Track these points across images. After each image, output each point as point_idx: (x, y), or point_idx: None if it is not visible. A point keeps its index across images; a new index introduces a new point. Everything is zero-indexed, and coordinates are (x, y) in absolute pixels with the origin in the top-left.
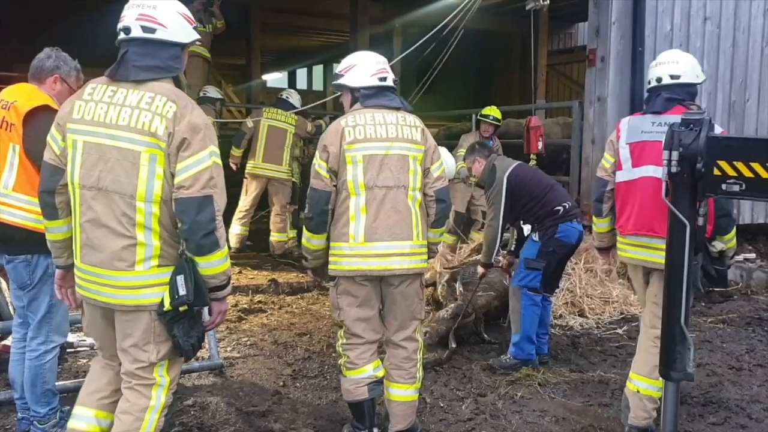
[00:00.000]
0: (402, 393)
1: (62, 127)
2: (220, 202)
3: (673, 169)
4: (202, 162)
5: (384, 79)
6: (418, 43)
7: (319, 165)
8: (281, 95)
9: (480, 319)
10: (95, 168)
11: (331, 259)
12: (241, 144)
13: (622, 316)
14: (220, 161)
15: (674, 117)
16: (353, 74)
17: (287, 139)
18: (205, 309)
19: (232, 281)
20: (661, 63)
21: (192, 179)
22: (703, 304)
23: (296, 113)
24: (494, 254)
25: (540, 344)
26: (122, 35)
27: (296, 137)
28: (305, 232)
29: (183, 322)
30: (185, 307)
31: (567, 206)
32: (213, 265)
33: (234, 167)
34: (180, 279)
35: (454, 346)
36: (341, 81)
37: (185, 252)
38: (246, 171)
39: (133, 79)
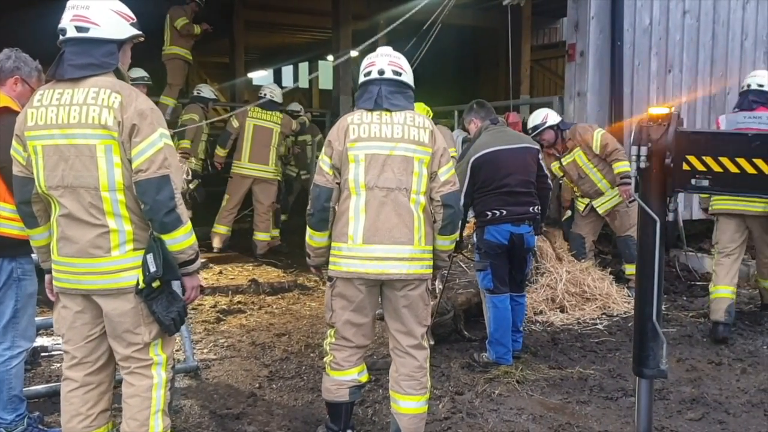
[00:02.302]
0: (413, 405)
1: (21, 138)
2: (177, 180)
3: (642, 165)
4: (155, 144)
5: (368, 73)
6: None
7: (322, 161)
8: (263, 94)
9: (459, 316)
10: (57, 168)
11: (330, 259)
12: (227, 144)
13: (603, 312)
14: (170, 141)
15: (760, 113)
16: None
17: (273, 138)
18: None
19: (211, 283)
20: (752, 76)
21: (148, 162)
22: (685, 298)
23: (281, 111)
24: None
25: (513, 342)
26: (60, 37)
27: (282, 136)
28: (308, 229)
29: (161, 299)
30: (158, 283)
31: (498, 214)
32: (178, 241)
33: (218, 167)
34: (150, 257)
35: (431, 343)
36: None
37: (153, 232)
38: (231, 171)
39: (69, 77)
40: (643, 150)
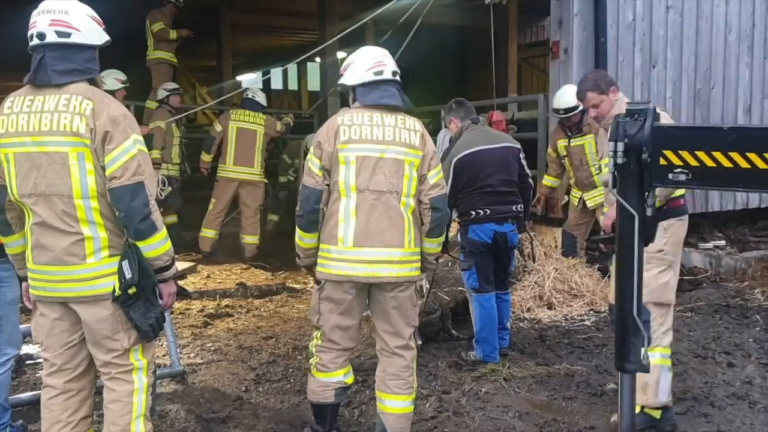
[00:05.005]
0: (400, 405)
1: None
2: (151, 186)
3: (619, 161)
4: (128, 151)
5: (380, 72)
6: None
7: (312, 162)
8: (247, 95)
9: (447, 315)
10: (29, 176)
11: (318, 261)
12: (211, 149)
13: (590, 308)
14: (144, 148)
15: None
16: (350, 72)
17: (258, 139)
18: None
19: (199, 287)
20: None
21: (121, 169)
22: None
23: (265, 112)
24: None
25: (499, 339)
26: (36, 41)
27: (267, 137)
28: (297, 230)
29: (138, 305)
30: (134, 290)
31: (482, 213)
32: (154, 247)
33: (204, 172)
34: (125, 264)
35: (419, 342)
36: (341, 81)
37: (128, 239)
38: (217, 174)
39: (55, 83)
40: (620, 145)
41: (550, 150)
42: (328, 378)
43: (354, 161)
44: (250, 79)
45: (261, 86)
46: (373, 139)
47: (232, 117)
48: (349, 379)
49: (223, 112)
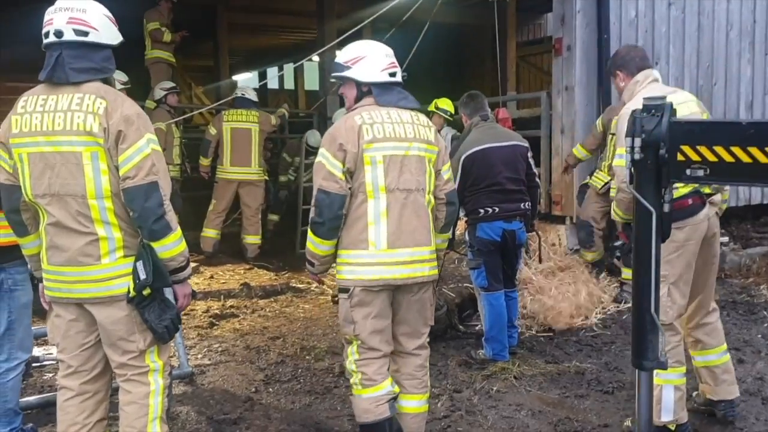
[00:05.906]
0: (416, 404)
1: (6, 145)
2: (165, 186)
3: (637, 156)
4: (142, 150)
5: (394, 74)
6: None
7: (332, 165)
8: (237, 93)
9: (453, 311)
10: (43, 176)
11: (344, 268)
12: (208, 153)
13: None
14: (158, 147)
15: None
16: (362, 67)
17: (253, 137)
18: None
19: (203, 288)
20: None
21: (135, 169)
22: None
23: (257, 109)
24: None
25: (508, 338)
26: (53, 38)
27: (263, 134)
28: (312, 238)
29: (153, 307)
30: (148, 291)
31: (490, 211)
32: (168, 248)
33: (205, 176)
34: (139, 264)
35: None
36: (348, 74)
37: (143, 239)
38: (216, 176)
39: (73, 81)
40: (637, 141)
41: (598, 122)
42: (378, 391)
43: (381, 161)
44: (246, 79)
45: (257, 85)
46: (397, 137)
47: (226, 118)
48: (396, 388)
49: (220, 112)
